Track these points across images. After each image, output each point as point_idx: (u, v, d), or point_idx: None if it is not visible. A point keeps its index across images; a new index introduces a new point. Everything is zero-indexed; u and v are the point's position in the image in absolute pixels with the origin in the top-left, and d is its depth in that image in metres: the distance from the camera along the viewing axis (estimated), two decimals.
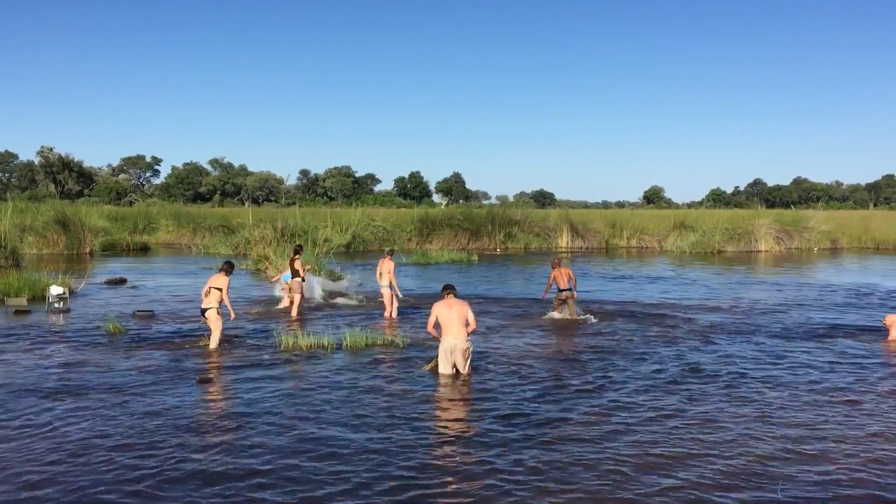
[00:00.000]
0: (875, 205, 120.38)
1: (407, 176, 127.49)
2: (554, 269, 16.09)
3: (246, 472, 6.85)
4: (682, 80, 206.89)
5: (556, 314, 16.01)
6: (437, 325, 10.57)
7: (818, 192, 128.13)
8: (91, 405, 8.94)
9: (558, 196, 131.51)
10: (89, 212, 38.77)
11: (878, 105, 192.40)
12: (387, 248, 17.87)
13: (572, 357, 11.99)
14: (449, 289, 10.77)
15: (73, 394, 9.45)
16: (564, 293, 15.97)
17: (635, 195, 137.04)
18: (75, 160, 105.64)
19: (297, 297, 16.17)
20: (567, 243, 42.19)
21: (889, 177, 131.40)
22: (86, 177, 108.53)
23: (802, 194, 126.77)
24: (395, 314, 15.94)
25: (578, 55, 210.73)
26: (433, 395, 9.65)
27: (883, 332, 13.63)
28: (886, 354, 12.34)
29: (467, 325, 10.43)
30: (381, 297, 16.21)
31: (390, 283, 15.83)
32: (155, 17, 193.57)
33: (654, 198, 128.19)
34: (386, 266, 15.91)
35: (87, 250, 34.15)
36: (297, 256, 16.54)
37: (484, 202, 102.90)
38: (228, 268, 12.81)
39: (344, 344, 12.43)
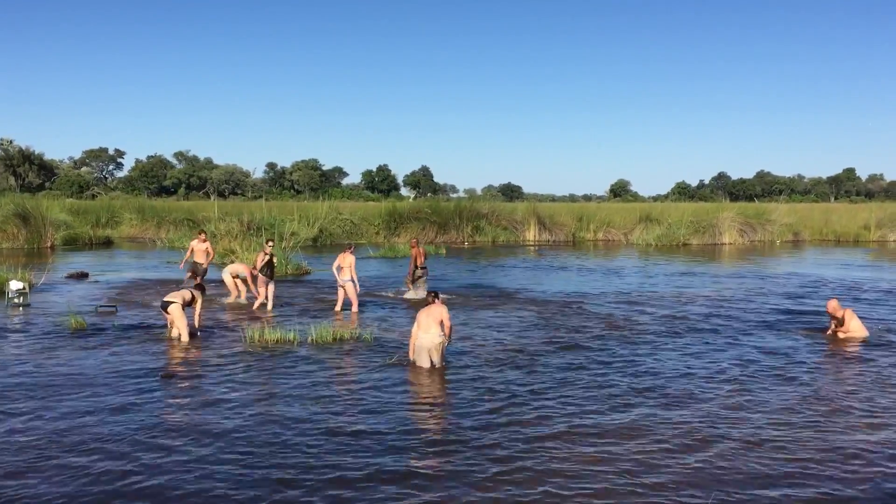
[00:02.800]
0: (836, 198, 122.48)
1: (375, 169, 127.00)
2: (414, 248, 18.00)
3: (200, 472, 6.79)
4: (648, 75, 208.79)
5: (411, 293, 17.71)
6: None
7: (781, 185, 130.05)
8: (50, 403, 8.78)
9: (526, 189, 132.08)
10: (50, 205, 38.04)
11: (839, 100, 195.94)
12: (347, 242, 17.98)
13: (542, 355, 12.02)
14: (433, 295, 11.11)
15: (31, 392, 9.27)
16: (421, 270, 17.98)
17: (602, 188, 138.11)
18: (36, 153, 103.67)
19: (271, 289, 16.13)
20: (534, 236, 42.40)
21: (849, 170, 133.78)
22: (47, 170, 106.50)
23: (765, 187, 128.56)
24: (354, 308, 15.85)
25: (545, 50, 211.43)
26: (401, 396, 9.63)
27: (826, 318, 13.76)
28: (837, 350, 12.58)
29: (442, 324, 10.60)
30: (337, 291, 16.20)
31: (351, 277, 15.80)
32: (117, 7, 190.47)
33: (620, 191, 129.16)
34: (347, 260, 15.86)
35: (48, 244, 33.54)
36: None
37: (452, 196, 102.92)
38: (203, 291, 13.02)
39: (310, 339, 12.35)
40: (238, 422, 8.13)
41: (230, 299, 16.90)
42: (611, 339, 12.98)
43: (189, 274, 17.98)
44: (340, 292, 16.04)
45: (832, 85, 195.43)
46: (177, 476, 6.60)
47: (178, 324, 12.37)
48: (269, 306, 15.95)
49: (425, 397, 9.37)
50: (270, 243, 16.51)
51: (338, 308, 15.97)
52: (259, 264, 15.92)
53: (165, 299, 12.45)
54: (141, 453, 7.13)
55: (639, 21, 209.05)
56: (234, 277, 16.88)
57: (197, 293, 12.68)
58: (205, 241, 18.62)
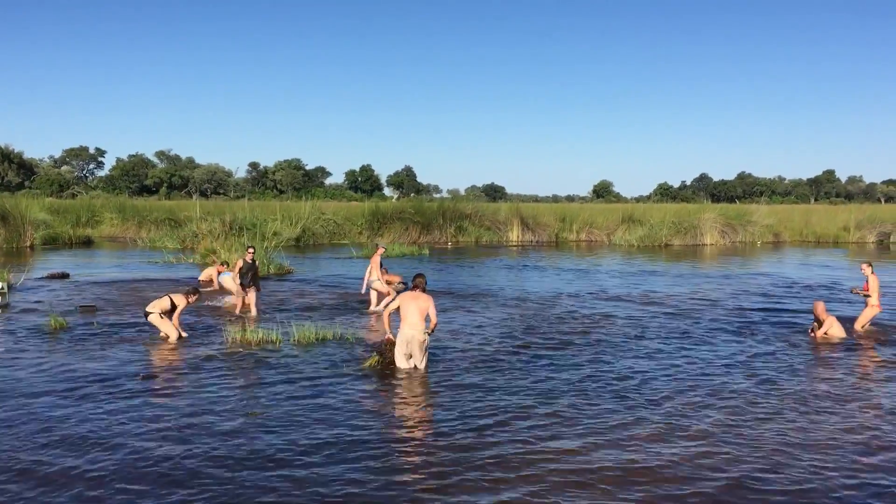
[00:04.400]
0: (816, 199, 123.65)
1: (358, 169, 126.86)
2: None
3: (169, 480, 6.76)
4: (631, 77, 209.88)
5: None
6: (394, 316, 10.52)
7: (761, 186, 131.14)
8: (26, 404, 8.70)
9: (509, 190, 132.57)
10: (30, 204, 37.67)
11: (819, 102, 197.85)
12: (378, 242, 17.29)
13: (521, 358, 12.04)
14: (420, 278, 10.66)
15: (5, 393, 9.18)
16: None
17: (585, 189, 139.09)
18: (15, 151, 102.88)
19: (253, 297, 15.38)
20: (517, 237, 42.46)
21: (829, 172, 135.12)
22: (26, 168, 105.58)
23: (746, 189, 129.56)
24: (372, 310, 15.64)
25: (529, 51, 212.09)
26: (380, 401, 9.61)
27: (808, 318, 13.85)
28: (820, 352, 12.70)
29: (428, 319, 10.30)
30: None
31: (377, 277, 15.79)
32: (97, 5, 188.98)
33: (603, 192, 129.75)
34: (373, 260, 15.80)
35: (28, 244, 33.21)
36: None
37: (435, 196, 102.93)
38: (193, 292, 13.10)
39: (292, 339, 12.31)
40: (213, 425, 8.07)
41: (229, 300, 16.79)
42: (590, 341, 13.01)
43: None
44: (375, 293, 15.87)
45: (813, 87, 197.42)
46: (147, 480, 6.56)
47: (162, 328, 12.50)
48: (254, 313, 15.08)
49: (404, 404, 9.33)
50: (251, 250, 15.60)
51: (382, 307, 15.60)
52: (235, 270, 15.48)
53: (146, 309, 12.63)
54: (114, 456, 7.09)
55: (622, 23, 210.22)
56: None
57: (179, 298, 12.73)
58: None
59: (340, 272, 24.06)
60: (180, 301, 12.69)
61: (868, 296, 13.67)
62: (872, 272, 13.65)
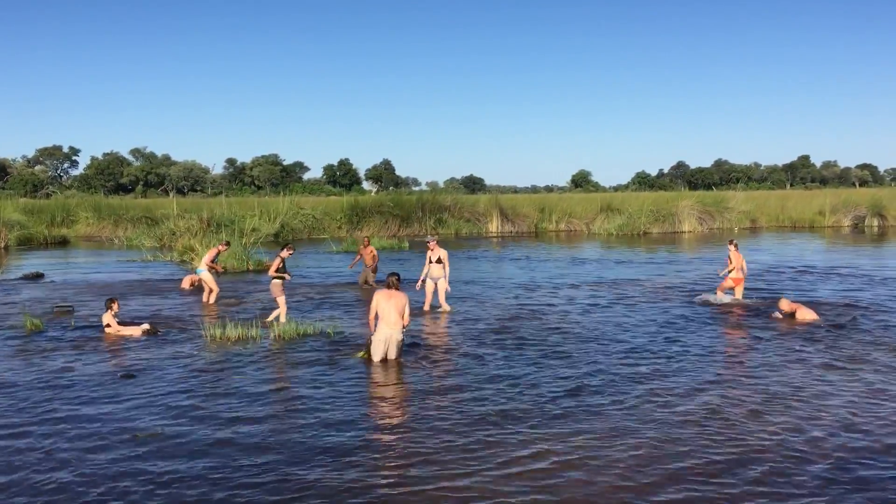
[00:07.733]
0: (791, 185, 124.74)
1: (336, 163, 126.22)
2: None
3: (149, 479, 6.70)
4: (607, 66, 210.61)
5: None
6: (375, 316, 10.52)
7: (738, 173, 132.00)
8: (4, 407, 8.59)
9: (488, 181, 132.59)
10: (3, 205, 37.19)
11: (794, 88, 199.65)
12: (431, 235, 16.01)
13: (502, 348, 12.06)
14: (394, 276, 10.79)
15: None
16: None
17: (563, 179, 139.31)
18: None
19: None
20: (497, 228, 42.52)
21: (804, 158, 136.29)
22: None
23: (723, 176, 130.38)
24: (430, 306, 15.19)
25: (505, 42, 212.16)
26: (361, 391, 9.59)
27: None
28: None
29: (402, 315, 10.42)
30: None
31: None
32: (68, 2, 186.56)
33: (581, 182, 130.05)
34: (444, 253, 15.20)
35: (2, 245, 32.82)
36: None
37: (414, 189, 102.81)
38: (111, 301, 13.15)
39: (272, 335, 12.23)
40: (183, 427, 8.01)
41: (209, 297, 16.56)
42: (563, 336, 13.03)
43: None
44: (430, 287, 15.25)
45: (787, 73, 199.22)
46: (116, 483, 6.51)
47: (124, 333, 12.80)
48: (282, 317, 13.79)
49: (382, 397, 9.32)
50: (291, 248, 14.62)
51: (425, 307, 15.09)
52: (274, 268, 14.05)
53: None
54: (88, 458, 7.02)
55: (597, 13, 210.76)
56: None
57: (106, 316, 12.95)
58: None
59: (320, 267, 23.95)
60: (107, 318, 12.89)
61: (729, 272, 15.71)
62: (736, 249, 15.81)
